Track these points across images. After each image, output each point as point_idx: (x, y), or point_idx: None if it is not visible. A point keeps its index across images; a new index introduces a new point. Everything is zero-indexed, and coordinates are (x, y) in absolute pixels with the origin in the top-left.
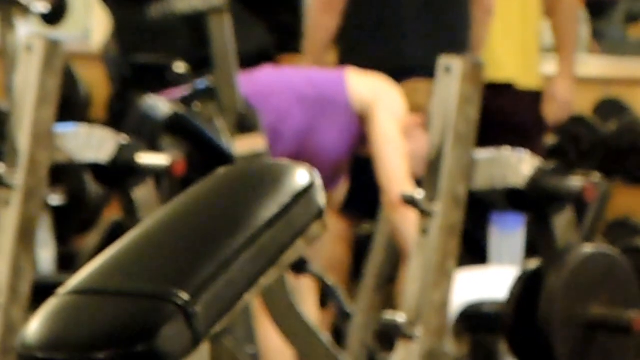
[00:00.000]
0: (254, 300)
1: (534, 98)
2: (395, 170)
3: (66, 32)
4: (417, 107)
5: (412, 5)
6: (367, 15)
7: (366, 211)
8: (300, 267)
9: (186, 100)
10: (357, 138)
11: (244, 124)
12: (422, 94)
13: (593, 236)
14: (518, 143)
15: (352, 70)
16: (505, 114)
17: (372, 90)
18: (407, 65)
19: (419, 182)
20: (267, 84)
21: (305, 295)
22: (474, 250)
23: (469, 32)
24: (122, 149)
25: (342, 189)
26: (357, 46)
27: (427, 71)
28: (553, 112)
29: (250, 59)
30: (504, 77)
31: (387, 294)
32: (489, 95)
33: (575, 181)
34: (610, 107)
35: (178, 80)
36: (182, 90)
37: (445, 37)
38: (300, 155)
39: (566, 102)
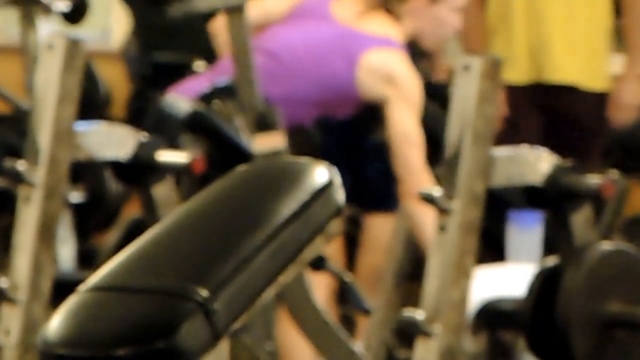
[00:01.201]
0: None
1: (599, 99)
2: (413, 163)
3: (87, 31)
4: None
5: None
6: None
7: (364, 204)
8: (318, 264)
9: (206, 98)
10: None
11: (264, 122)
12: None
13: (611, 233)
14: (579, 145)
15: (367, 53)
16: (567, 115)
17: (386, 79)
18: None
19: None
20: (271, 92)
21: (320, 292)
22: (492, 248)
23: None
24: (142, 146)
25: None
26: None
27: None
28: (617, 115)
29: None
30: (566, 79)
31: (407, 292)
32: (552, 96)
33: (593, 179)
34: None
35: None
36: (200, 83)
37: None
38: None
39: (631, 105)
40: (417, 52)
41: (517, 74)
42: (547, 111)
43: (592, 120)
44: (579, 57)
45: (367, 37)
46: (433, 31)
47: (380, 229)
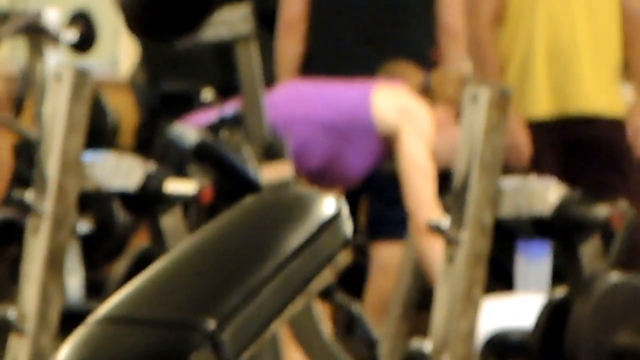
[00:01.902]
0: (281, 329)
1: (620, 127)
2: (424, 196)
3: (94, 61)
4: (447, 99)
5: (356, 37)
6: (317, 45)
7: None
8: (326, 294)
9: (213, 128)
10: (381, 155)
11: (271, 152)
12: (453, 85)
13: (620, 264)
14: (614, 175)
15: (379, 87)
16: (599, 146)
17: (398, 111)
18: None
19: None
20: (289, 112)
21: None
22: (500, 278)
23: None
24: (150, 176)
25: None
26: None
27: None
28: (638, 140)
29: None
30: (595, 109)
31: (414, 321)
32: (582, 127)
33: (602, 209)
34: None
35: (205, 108)
36: (209, 116)
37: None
38: (324, 175)
39: None
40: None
41: (538, 108)
42: (570, 144)
43: (621, 149)
44: (605, 87)
45: (380, 80)
46: (445, 149)
47: (388, 257)
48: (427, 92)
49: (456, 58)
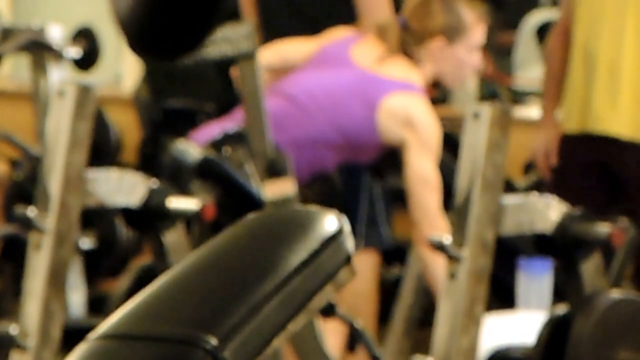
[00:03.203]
0: (283, 345)
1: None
2: (429, 207)
3: (98, 77)
4: (434, 29)
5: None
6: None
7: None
8: (328, 311)
9: (216, 145)
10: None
11: (274, 169)
12: (435, 13)
13: (621, 282)
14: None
15: (385, 100)
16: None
17: (404, 122)
18: None
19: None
20: (294, 136)
21: (331, 339)
22: (502, 295)
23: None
24: (152, 193)
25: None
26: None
27: None
28: None
29: None
30: (610, 130)
31: (416, 338)
32: (614, 151)
33: (603, 227)
34: None
35: (208, 122)
36: (212, 131)
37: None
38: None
39: None
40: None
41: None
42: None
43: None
44: (623, 108)
45: (387, 82)
46: (453, 72)
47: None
48: (409, 33)
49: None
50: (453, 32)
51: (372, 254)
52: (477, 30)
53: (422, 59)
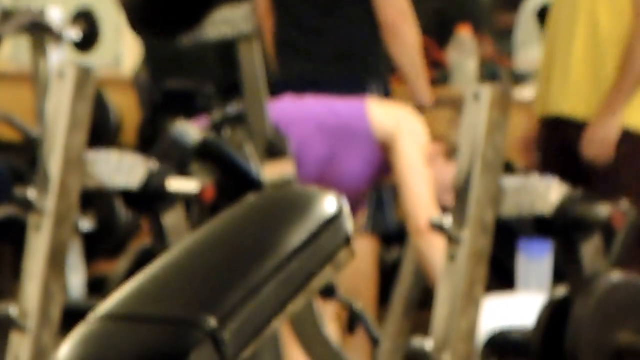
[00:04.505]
0: (282, 326)
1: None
2: (421, 197)
3: (97, 59)
4: (437, 136)
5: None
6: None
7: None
8: (328, 293)
9: (216, 126)
10: (379, 169)
11: (273, 150)
12: (443, 123)
13: (621, 264)
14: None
15: (373, 100)
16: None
17: (393, 119)
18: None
19: (442, 209)
20: (287, 112)
21: (328, 321)
22: (501, 277)
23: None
24: (152, 174)
25: (360, 217)
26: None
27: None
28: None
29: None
30: (563, 112)
31: (415, 320)
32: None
33: (603, 208)
34: None
35: (208, 105)
36: (212, 116)
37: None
38: (321, 183)
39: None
40: None
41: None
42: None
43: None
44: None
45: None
46: (436, 183)
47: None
48: None
49: (413, 69)
50: (453, 150)
51: (374, 237)
52: None
53: None
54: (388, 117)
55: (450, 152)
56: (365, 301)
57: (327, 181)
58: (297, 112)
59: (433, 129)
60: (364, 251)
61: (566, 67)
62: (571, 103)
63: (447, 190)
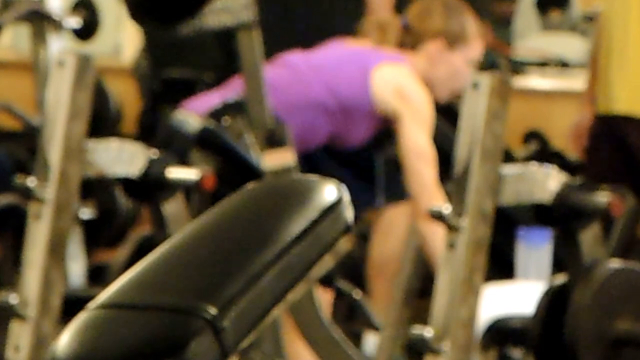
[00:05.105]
0: (282, 315)
1: None
2: (425, 180)
3: (97, 47)
4: (434, 32)
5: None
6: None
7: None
8: (327, 281)
9: (216, 115)
10: (381, 125)
11: (273, 139)
12: (436, 15)
13: (620, 252)
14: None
15: (378, 67)
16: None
17: (397, 94)
18: None
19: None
20: (291, 99)
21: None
22: (501, 265)
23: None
24: (152, 163)
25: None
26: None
27: None
28: None
29: None
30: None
31: (415, 308)
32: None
33: (602, 196)
34: None
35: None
36: (208, 100)
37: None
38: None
39: None
40: None
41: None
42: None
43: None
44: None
45: (378, 54)
46: (445, 80)
47: (391, 218)
48: (410, 33)
49: None
50: (453, 38)
51: (401, 207)
52: (476, 45)
53: (418, 56)
54: (391, 92)
55: (452, 41)
56: (391, 280)
57: (334, 146)
58: (298, 97)
59: (426, 25)
60: (397, 225)
61: (622, 63)
62: (629, 100)
63: (458, 80)
